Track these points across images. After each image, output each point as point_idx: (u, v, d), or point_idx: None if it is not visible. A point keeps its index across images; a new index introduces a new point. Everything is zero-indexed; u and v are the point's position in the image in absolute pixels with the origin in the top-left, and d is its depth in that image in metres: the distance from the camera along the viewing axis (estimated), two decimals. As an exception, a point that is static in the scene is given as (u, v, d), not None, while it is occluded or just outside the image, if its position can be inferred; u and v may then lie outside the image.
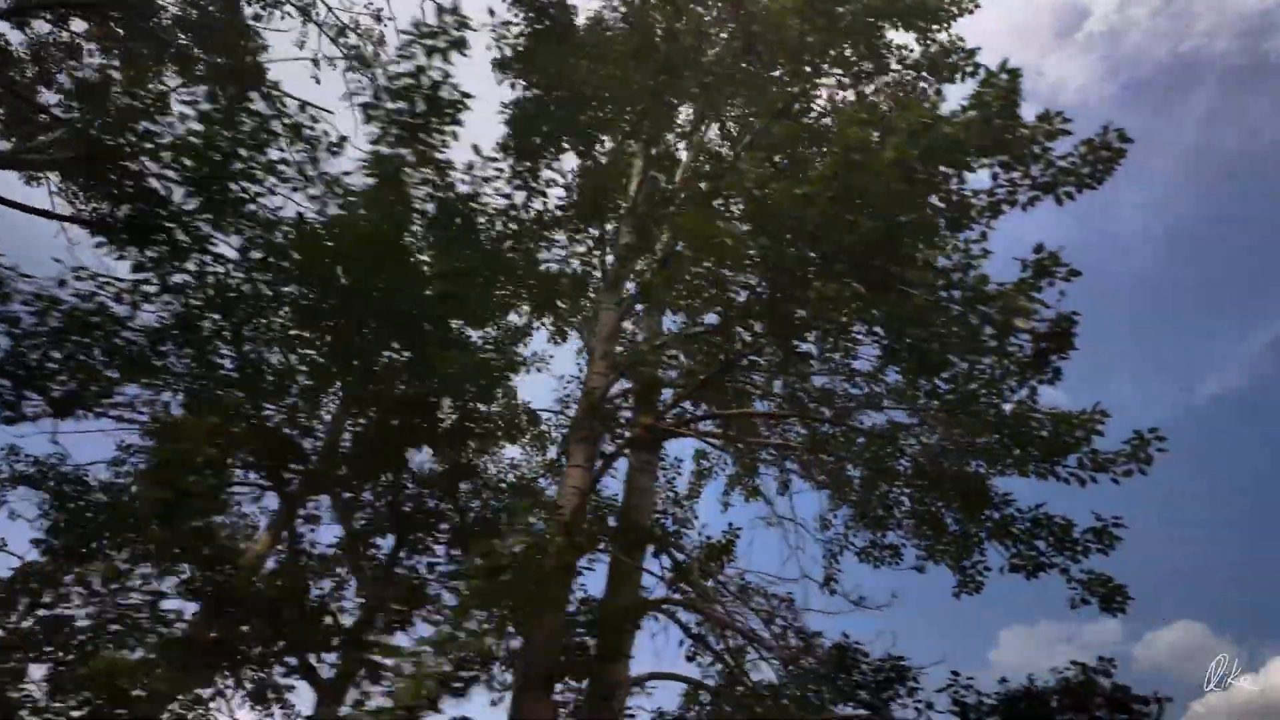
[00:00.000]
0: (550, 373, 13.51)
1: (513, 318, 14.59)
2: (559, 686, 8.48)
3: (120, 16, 12.73)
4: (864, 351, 9.74)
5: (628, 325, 13.25)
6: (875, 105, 8.77)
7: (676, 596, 9.87)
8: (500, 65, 8.64)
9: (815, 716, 8.25)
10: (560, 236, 11.53)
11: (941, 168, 7.09)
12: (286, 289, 6.49)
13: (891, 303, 6.70)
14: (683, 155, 11.21)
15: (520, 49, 8.34)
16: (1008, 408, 8.36)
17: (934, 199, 7.24)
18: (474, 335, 15.10)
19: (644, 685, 8.85)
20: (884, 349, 7.74)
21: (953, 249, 6.76)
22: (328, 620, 7.04)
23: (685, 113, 9.87)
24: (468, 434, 14.03)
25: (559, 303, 11.79)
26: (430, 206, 6.70)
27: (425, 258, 6.87)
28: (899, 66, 11.09)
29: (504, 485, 12.46)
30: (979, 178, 9.70)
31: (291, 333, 6.81)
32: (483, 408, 14.65)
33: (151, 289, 6.78)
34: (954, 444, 9.57)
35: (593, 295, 11.45)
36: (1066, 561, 8.63)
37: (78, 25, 13.19)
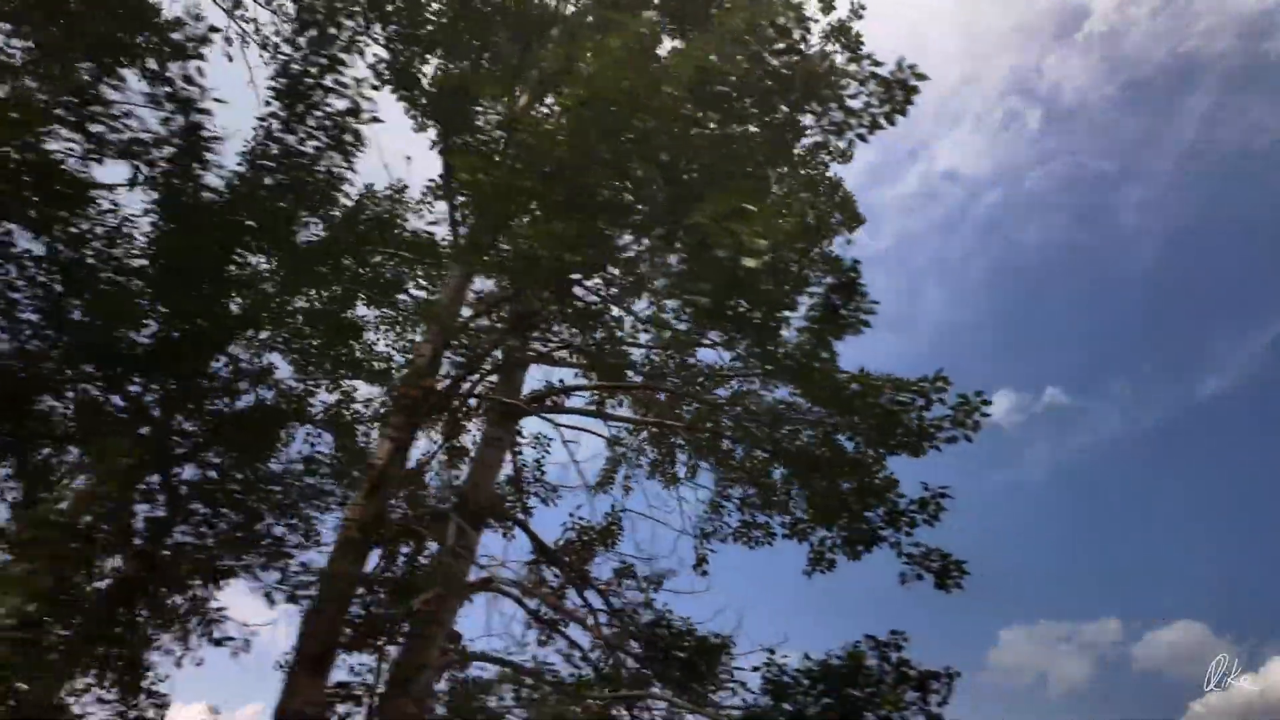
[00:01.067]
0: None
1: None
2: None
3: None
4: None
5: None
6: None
7: (509, 576, 9.43)
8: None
9: (626, 694, 7.83)
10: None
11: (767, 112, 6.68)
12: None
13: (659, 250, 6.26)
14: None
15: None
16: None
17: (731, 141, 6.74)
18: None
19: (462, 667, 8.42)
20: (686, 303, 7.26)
21: (733, 194, 6.31)
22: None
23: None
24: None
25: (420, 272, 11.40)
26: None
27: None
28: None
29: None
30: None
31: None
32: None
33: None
34: (796, 413, 9.17)
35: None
36: (898, 536, 8.22)
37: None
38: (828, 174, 14.64)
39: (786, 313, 7.00)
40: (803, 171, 14.82)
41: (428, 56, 9.84)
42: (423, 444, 14.95)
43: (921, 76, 6.70)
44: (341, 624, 7.36)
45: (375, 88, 8.14)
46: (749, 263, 5.26)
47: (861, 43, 13.41)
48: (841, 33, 13.21)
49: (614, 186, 5.72)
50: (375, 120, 6.66)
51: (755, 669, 7.68)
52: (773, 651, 7.79)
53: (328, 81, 6.35)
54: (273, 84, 6.51)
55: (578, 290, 8.98)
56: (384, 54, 8.94)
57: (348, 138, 6.31)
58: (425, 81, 9.32)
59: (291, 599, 8.19)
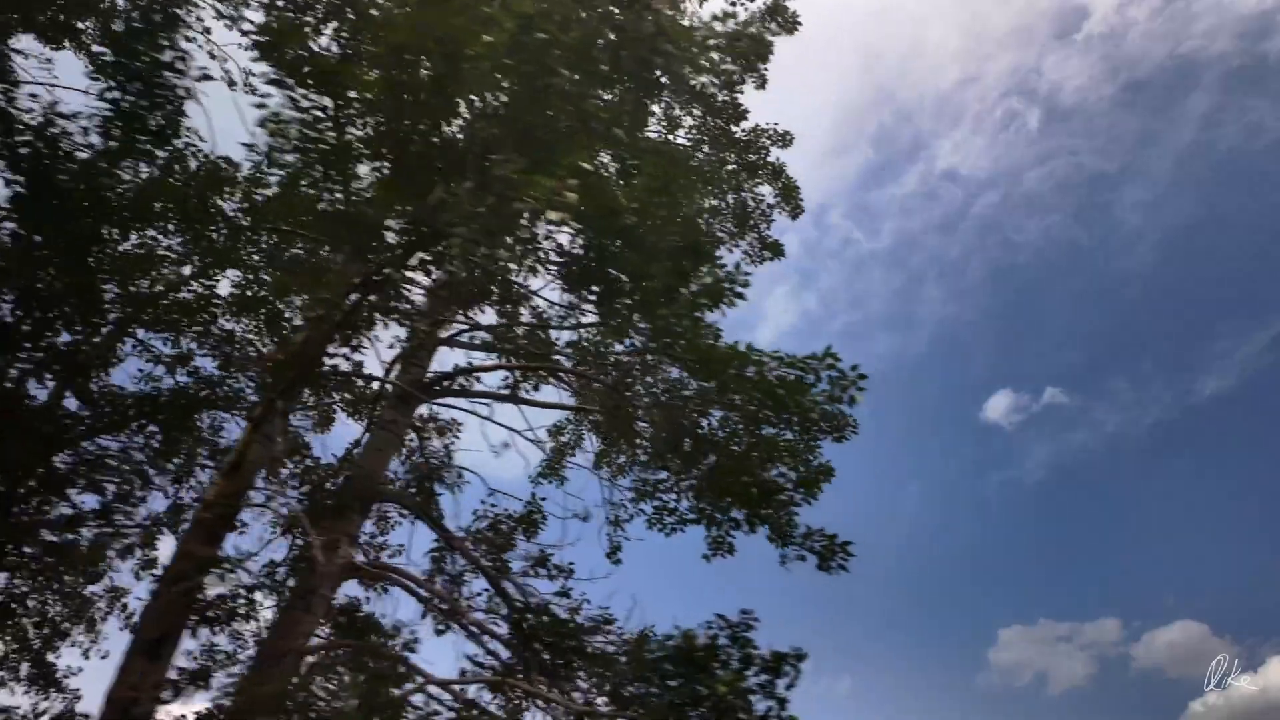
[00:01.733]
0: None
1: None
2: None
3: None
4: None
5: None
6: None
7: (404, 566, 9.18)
8: None
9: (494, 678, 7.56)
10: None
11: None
12: None
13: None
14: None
15: None
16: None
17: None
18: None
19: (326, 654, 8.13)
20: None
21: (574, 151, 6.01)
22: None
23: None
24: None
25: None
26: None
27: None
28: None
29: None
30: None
31: None
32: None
33: None
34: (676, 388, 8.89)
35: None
36: (785, 515, 7.92)
37: None
38: (769, 158, 14.34)
39: (646, 282, 6.73)
40: (751, 156, 14.50)
41: (321, 29, 9.59)
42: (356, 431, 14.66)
43: (794, 26, 6.41)
44: (188, 606, 7.07)
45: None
46: (553, 216, 4.98)
47: (798, 22, 13.09)
48: (777, 11, 12.92)
49: (425, 139, 5.43)
50: (207, 78, 6.37)
51: (624, 654, 7.42)
52: (647, 636, 7.53)
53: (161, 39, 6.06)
54: (102, 42, 6.22)
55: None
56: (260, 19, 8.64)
57: (167, 94, 6.01)
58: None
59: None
